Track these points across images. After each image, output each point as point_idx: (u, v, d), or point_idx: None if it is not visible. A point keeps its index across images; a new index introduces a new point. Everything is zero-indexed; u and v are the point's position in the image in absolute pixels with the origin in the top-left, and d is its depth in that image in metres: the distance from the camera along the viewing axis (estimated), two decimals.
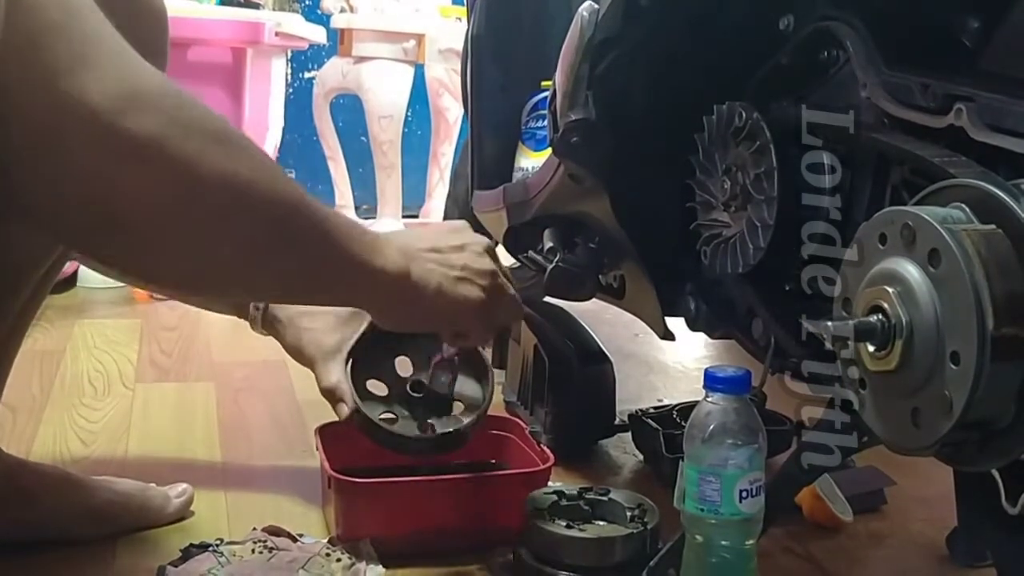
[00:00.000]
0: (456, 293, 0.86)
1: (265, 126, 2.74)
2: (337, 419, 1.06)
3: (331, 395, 1.00)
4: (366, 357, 1.02)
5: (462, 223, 0.94)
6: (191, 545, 0.95)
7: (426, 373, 1.03)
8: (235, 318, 1.10)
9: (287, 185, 0.73)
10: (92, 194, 0.65)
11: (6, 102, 0.62)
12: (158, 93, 0.66)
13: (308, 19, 2.85)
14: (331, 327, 1.03)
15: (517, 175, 1.40)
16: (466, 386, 1.04)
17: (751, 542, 0.79)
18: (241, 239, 0.71)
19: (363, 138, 3.00)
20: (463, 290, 0.87)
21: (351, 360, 1.01)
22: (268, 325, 1.08)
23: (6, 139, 0.63)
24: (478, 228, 1.41)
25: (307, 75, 3.39)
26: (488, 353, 1.06)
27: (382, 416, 0.99)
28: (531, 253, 1.22)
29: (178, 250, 0.70)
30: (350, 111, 3.11)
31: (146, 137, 0.64)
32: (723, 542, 0.78)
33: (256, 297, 0.79)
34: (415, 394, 1.02)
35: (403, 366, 1.05)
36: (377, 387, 1.03)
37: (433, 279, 0.85)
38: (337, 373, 1.00)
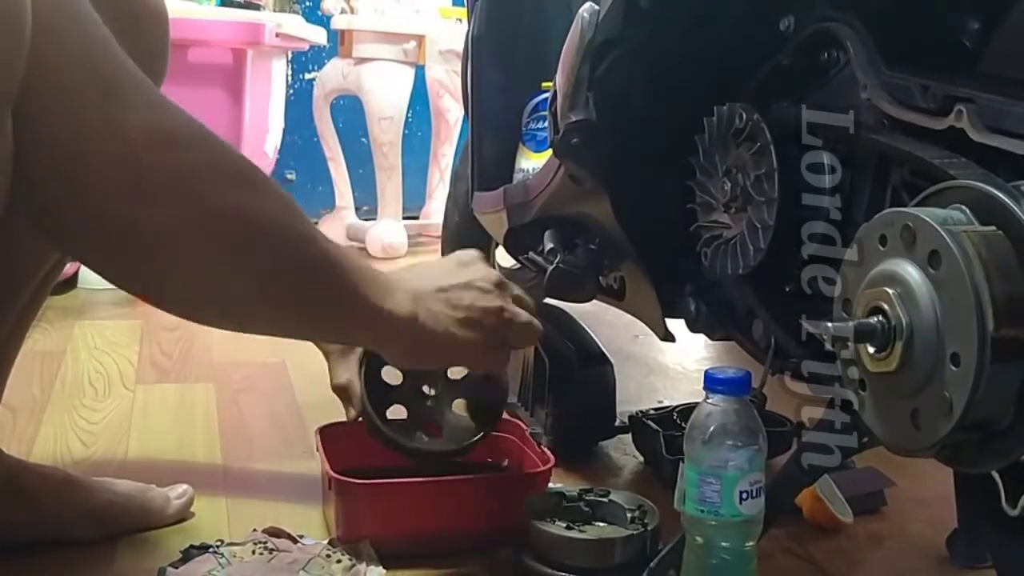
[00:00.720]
0: (462, 335, 0.87)
1: (265, 127, 2.74)
2: (337, 421, 1.07)
3: (342, 393, 1.01)
4: (376, 364, 1.02)
5: (472, 254, 0.94)
6: (191, 546, 0.95)
7: (434, 381, 1.03)
8: None
9: (303, 226, 0.75)
10: (114, 228, 0.66)
11: (32, 131, 0.63)
12: (185, 131, 0.68)
13: (308, 20, 2.85)
14: None
15: (517, 176, 1.40)
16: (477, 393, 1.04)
17: (751, 543, 0.79)
18: (255, 275, 0.73)
19: (363, 139, 3.00)
20: (469, 332, 0.87)
21: (366, 359, 1.01)
22: None
23: (31, 166, 0.64)
24: (478, 228, 1.42)
25: (307, 76, 3.39)
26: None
27: (391, 419, 1.00)
28: (531, 254, 1.22)
29: (194, 282, 0.72)
30: (350, 112, 3.11)
31: (172, 175, 0.66)
32: (723, 543, 0.78)
33: (263, 330, 0.82)
34: (429, 391, 1.02)
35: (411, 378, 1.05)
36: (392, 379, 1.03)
37: (440, 323, 0.85)
38: (349, 371, 1.00)
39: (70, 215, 0.66)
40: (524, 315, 0.92)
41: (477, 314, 0.88)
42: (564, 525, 0.92)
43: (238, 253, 0.71)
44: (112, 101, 0.64)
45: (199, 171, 0.68)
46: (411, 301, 0.84)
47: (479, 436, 1.01)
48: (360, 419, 1.00)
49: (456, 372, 1.03)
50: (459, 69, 2.12)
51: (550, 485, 1.01)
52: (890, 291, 0.64)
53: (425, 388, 1.03)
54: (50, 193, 0.65)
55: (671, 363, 1.80)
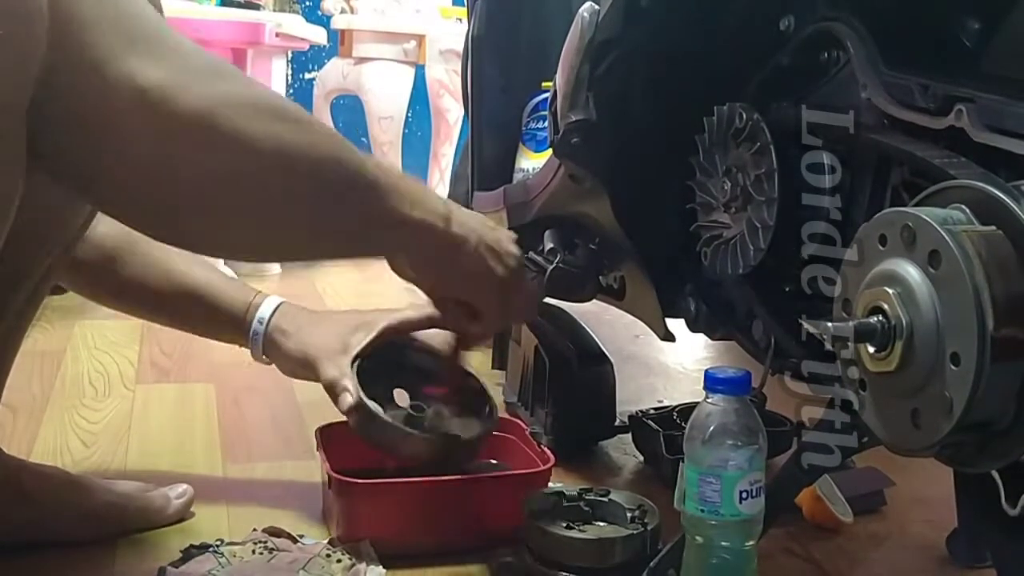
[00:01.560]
0: (487, 261, 0.89)
1: None
2: (337, 421, 1.06)
3: (332, 387, 0.99)
4: (368, 375, 1.01)
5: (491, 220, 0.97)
6: (191, 546, 0.95)
7: (423, 400, 1.03)
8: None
9: (336, 147, 0.77)
10: (147, 176, 0.69)
11: (56, 82, 0.64)
12: (205, 71, 0.70)
13: (308, 20, 2.85)
14: (338, 334, 1.03)
15: (517, 176, 1.40)
16: (465, 421, 1.04)
17: (751, 543, 0.79)
18: (295, 202, 0.76)
19: (363, 139, 3.00)
20: (493, 261, 0.90)
21: (357, 361, 1.00)
22: (269, 343, 1.07)
23: (62, 127, 0.66)
24: None
25: (307, 76, 3.39)
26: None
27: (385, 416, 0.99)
28: (532, 254, 1.22)
29: (237, 220, 0.75)
30: (350, 112, 3.11)
31: (195, 115, 0.67)
32: (723, 543, 0.78)
33: (314, 255, 0.90)
34: (416, 414, 1.02)
35: (399, 398, 1.05)
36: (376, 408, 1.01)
37: (472, 237, 0.88)
38: (341, 367, 1.00)
39: (103, 167, 0.68)
40: (533, 286, 0.94)
41: (502, 251, 0.91)
42: (564, 525, 0.92)
43: (278, 183, 0.73)
44: (134, 52, 0.65)
45: (219, 107, 0.69)
46: (446, 209, 0.86)
47: (483, 430, 1.01)
48: (354, 413, 0.98)
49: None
50: (459, 69, 2.12)
51: (550, 485, 1.01)
52: (890, 291, 0.64)
53: (413, 412, 1.02)
54: (83, 148, 0.67)
55: (671, 363, 1.80)
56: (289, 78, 3.26)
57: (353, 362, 1.00)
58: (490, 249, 0.90)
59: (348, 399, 0.97)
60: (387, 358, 1.03)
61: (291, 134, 0.73)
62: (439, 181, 3.06)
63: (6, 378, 0.97)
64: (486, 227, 0.91)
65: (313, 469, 1.12)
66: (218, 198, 0.72)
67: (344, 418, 1.02)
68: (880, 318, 0.64)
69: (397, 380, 1.05)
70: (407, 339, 1.06)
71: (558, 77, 0.98)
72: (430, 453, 0.98)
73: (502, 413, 1.10)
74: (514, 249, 0.93)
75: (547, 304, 1.40)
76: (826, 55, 0.81)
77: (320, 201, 0.77)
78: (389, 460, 0.99)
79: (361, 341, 1.02)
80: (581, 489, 0.98)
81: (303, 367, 1.04)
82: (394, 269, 0.89)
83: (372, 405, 0.97)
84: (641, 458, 1.26)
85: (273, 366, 1.10)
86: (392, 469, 1.00)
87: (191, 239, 0.79)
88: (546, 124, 1.15)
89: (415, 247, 0.86)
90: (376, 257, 0.91)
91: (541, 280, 1.14)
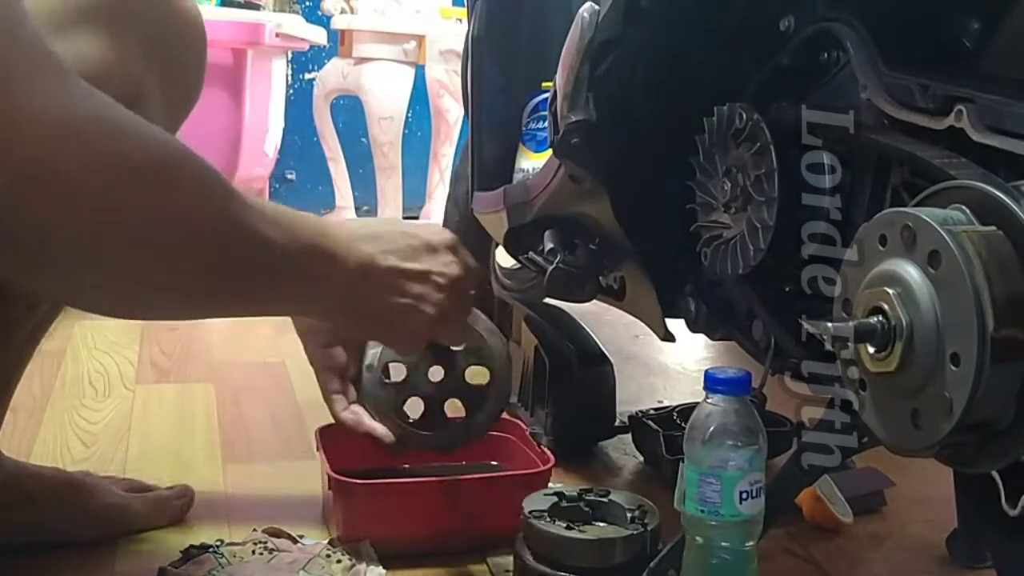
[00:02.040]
0: (404, 321, 0.85)
1: (265, 127, 2.74)
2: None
3: (329, 403, 0.99)
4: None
5: (445, 238, 0.90)
6: (191, 546, 0.95)
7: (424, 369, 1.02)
8: (234, 319, 1.10)
9: (224, 213, 0.68)
10: (17, 231, 0.60)
11: None
12: (85, 120, 0.61)
13: (308, 20, 2.85)
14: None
15: (517, 176, 1.40)
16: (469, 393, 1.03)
17: (751, 543, 0.79)
18: (173, 271, 0.67)
19: (363, 139, 3.00)
20: (412, 321, 0.86)
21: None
22: None
23: None
24: (478, 228, 1.42)
25: (307, 76, 3.39)
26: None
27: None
28: (531, 254, 1.22)
29: (107, 284, 0.66)
30: (350, 112, 3.11)
31: (66, 171, 0.59)
32: (723, 543, 0.78)
33: (197, 316, 0.81)
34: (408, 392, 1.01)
35: (396, 372, 1.04)
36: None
37: (379, 303, 0.84)
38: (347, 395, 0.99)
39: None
40: (473, 272, 0.90)
41: (423, 291, 0.86)
42: (564, 525, 0.92)
43: (153, 251, 0.65)
44: (13, 90, 0.57)
45: (92, 165, 0.60)
46: (358, 269, 0.80)
47: (479, 419, 1.01)
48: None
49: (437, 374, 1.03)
50: (459, 69, 2.12)
51: (550, 485, 1.01)
52: (890, 291, 0.64)
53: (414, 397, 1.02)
54: None
55: (671, 363, 1.80)
56: (289, 78, 3.26)
57: (358, 376, 1.00)
58: (405, 309, 0.85)
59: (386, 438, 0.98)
60: None
61: (180, 200, 0.65)
62: (439, 182, 3.06)
63: (10, 398, 0.97)
64: (405, 284, 0.85)
65: (313, 469, 1.12)
66: (92, 261, 0.63)
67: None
68: (880, 318, 0.64)
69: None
70: None
71: (558, 77, 0.98)
72: (439, 445, 1.00)
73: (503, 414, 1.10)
74: (423, 327, 0.87)
75: (547, 304, 1.40)
76: (826, 55, 0.81)
77: (207, 268, 0.69)
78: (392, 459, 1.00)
79: None
80: (581, 489, 0.98)
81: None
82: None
83: (373, 425, 0.98)
84: (641, 458, 1.26)
85: (274, 365, 1.09)
86: (393, 468, 1.00)
87: (66, 299, 0.72)
88: (546, 124, 1.15)
89: (317, 311, 0.83)
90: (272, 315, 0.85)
91: (541, 281, 1.14)
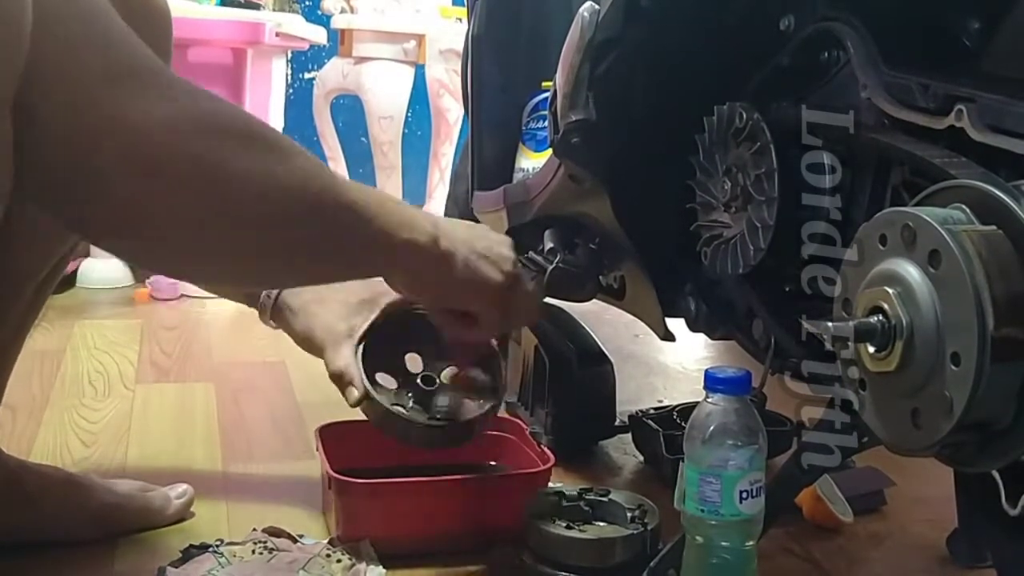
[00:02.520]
0: (480, 270, 0.89)
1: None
2: (336, 421, 1.06)
3: (339, 379, 0.98)
4: (376, 349, 1.00)
5: (483, 226, 0.97)
6: (191, 546, 0.95)
7: (434, 365, 1.02)
8: (234, 319, 1.10)
9: (322, 177, 0.76)
10: (130, 214, 0.67)
11: (40, 126, 0.63)
12: (197, 112, 0.68)
13: (308, 20, 2.85)
14: (343, 314, 1.02)
15: (517, 176, 1.40)
16: (477, 387, 1.03)
17: (751, 543, 0.79)
18: (283, 233, 0.75)
19: (363, 139, 3.00)
20: (486, 269, 0.90)
21: (361, 346, 1.00)
22: (278, 314, 1.05)
23: (44, 160, 0.64)
24: None
25: (307, 76, 3.38)
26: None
27: (393, 405, 0.98)
28: (531, 254, 1.22)
29: (215, 253, 0.74)
30: (350, 112, 3.11)
31: (175, 152, 0.66)
32: (723, 543, 0.78)
33: (307, 281, 0.91)
34: (426, 387, 1.01)
35: (412, 363, 1.04)
36: (386, 380, 1.02)
37: (461, 249, 0.88)
38: (346, 357, 0.99)
39: (90, 207, 0.67)
40: (532, 287, 0.95)
41: (495, 257, 0.91)
42: (564, 525, 0.92)
43: (259, 217, 0.72)
44: (119, 89, 0.64)
45: (206, 139, 0.68)
46: (433, 229, 0.86)
47: (484, 412, 1.00)
48: (362, 404, 0.97)
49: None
50: (459, 68, 2.12)
51: (550, 485, 1.01)
52: (890, 291, 0.64)
53: (423, 386, 1.02)
54: (68, 187, 0.65)
55: (671, 362, 1.80)
56: (289, 78, 3.26)
57: (358, 345, 0.99)
58: (483, 258, 0.90)
59: (354, 393, 0.97)
60: (394, 328, 1.02)
61: (276, 164, 0.72)
62: (439, 181, 3.06)
63: (8, 379, 0.97)
64: (477, 236, 0.91)
65: (313, 469, 1.12)
66: (205, 234, 0.71)
67: (343, 417, 1.02)
68: (880, 318, 0.64)
69: (407, 346, 1.04)
70: (411, 307, 1.05)
71: (558, 77, 0.98)
72: (440, 440, 0.99)
73: (503, 414, 1.10)
74: (508, 253, 0.93)
75: (547, 304, 1.40)
76: (826, 55, 0.81)
77: (309, 231, 0.76)
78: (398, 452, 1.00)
79: (366, 320, 1.01)
80: (581, 489, 0.98)
81: (309, 348, 1.04)
82: (391, 286, 0.90)
83: (379, 397, 0.97)
84: (641, 458, 1.26)
85: (274, 364, 1.09)
86: (393, 467, 0.99)
87: (179, 272, 0.79)
88: (546, 124, 1.15)
89: (405, 267, 0.86)
90: (361, 277, 0.92)
91: (541, 280, 1.14)
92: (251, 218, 0.72)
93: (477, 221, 1.39)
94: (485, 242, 0.91)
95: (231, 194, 0.70)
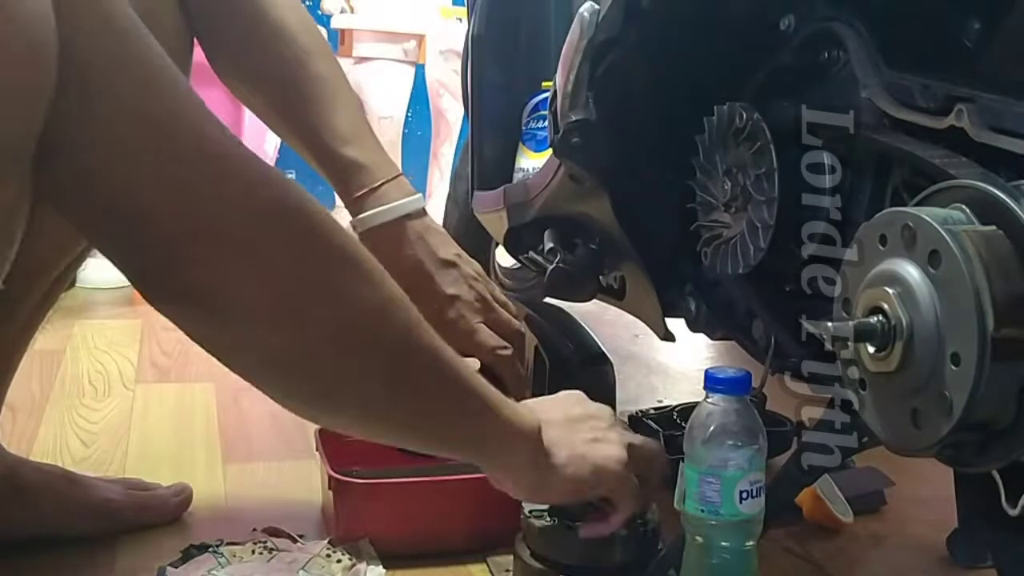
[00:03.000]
0: (594, 453, 0.83)
1: (265, 127, 2.73)
2: None
3: None
4: None
5: (579, 394, 0.91)
6: (191, 546, 0.95)
7: None
8: None
9: (401, 319, 0.70)
10: (219, 304, 0.63)
11: (123, 197, 0.60)
12: (285, 202, 0.64)
13: None
14: None
15: (517, 176, 1.40)
16: None
17: (751, 543, 0.79)
18: (380, 376, 0.70)
19: None
20: (601, 449, 0.83)
21: None
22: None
23: (124, 232, 0.61)
24: (478, 228, 1.42)
25: None
26: None
27: None
28: (532, 254, 1.22)
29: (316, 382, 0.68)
30: None
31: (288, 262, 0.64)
32: (723, 543, 0.78)
33: (384, 440, 0.81)
34: None
35: None
36: None
37: (564, 443, 0.82)
38: None
39: (176, 286, 0.63)
40: (652, 444, 0.88)
41: (603, 435, 0.84)
42: (564, 524, 0.92)
43: (363, 355, 0.68)
44: (221, 175, 0.62)
45: (315, 262, 0.65)
46: (532, 415, 0.80)
47: None
48: None
49: None
50: (459, 68, 2.12)
51: None
52: (890, 291, 0.64)
53: None
54: (150, 263, 0.62)
55: (671, 363, 1.80)
56: None
57: None
58: (592, 441, 0.83)
59: None
60: None
61: (367, 298, 0.68)
62: (439, 181, 3.06)
63: (11, 378, 0.97)
64: (577, 422, 0.84)
65: (313, 469, 1.12)
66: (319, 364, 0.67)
67: None
68: (880, 318, 0.64)
69: None
70: None
71: (558, 77, 0.98)
72: None
73: None
74: (615, 429, 0.86)
75: (547, 304, 1.40)
76: (826, 55, 0.81)
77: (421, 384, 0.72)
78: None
79: None
80: None
81: None
82: (491, 479, 0.84)
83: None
84: None
85: None
86: (393, 468, 0.99)
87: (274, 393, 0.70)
88: (546, 124, 1.15)
89: (508, 452, 0.80)
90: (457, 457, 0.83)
91: (541, 281, 1.14)
92: (357, 350, 0.68)
93: (477, 220, 1.39)
94: (590, 424, 0.85)
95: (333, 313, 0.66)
